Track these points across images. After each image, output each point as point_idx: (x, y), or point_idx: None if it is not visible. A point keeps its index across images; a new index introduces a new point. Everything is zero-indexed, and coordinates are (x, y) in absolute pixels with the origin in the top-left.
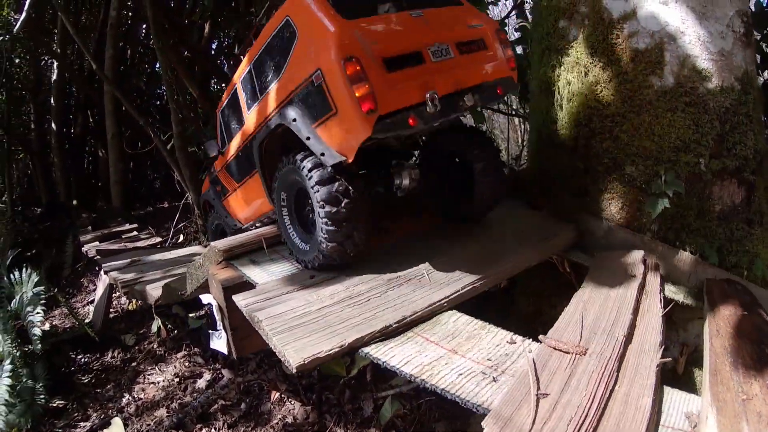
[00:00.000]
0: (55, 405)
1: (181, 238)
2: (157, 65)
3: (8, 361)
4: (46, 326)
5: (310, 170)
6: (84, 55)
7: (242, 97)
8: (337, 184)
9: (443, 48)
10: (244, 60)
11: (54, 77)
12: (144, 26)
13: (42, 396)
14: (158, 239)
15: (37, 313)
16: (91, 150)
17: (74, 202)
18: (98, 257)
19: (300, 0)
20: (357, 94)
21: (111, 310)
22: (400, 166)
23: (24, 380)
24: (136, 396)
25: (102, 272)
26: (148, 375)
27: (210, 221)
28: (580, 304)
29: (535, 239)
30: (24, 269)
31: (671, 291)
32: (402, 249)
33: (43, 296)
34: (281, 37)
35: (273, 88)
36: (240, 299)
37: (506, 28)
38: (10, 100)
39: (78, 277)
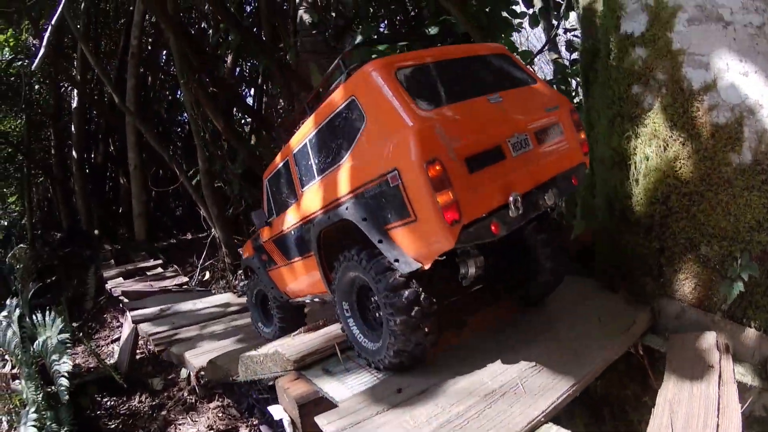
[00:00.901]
0: None
1: (207, 275)
2: (179, 92)
3: (33, 409)
4: (70, 365)
5: (378, 273)
6: (105, 82)
7: (295, 172)
8: (408, 292)
9: (522, 139)
10: (300, 131)
11: (74, 104)
12: (165, 52)
13: None
14: (184, 279)
15: (64, 362)
16: (113, 176)
17: (96, 231)
18: (124, 299)
19: (368, 79)
20: (440, 203)
21: (137, 350)
22: (466, 255)
23: (48, 424)
24: None
25: (128, 312)
26: (180, 425)
27: (250, 285)
28: (667, 404)
29: (615, 328)
30: (48, 311)
31: (739, 373)
32: (481, 346)
33: (68, 343)
34: (345, 118)
35: (336, 173)
36: (325, 422)
37: (536, 64)
38: (30, 125)
39: (101, 311)
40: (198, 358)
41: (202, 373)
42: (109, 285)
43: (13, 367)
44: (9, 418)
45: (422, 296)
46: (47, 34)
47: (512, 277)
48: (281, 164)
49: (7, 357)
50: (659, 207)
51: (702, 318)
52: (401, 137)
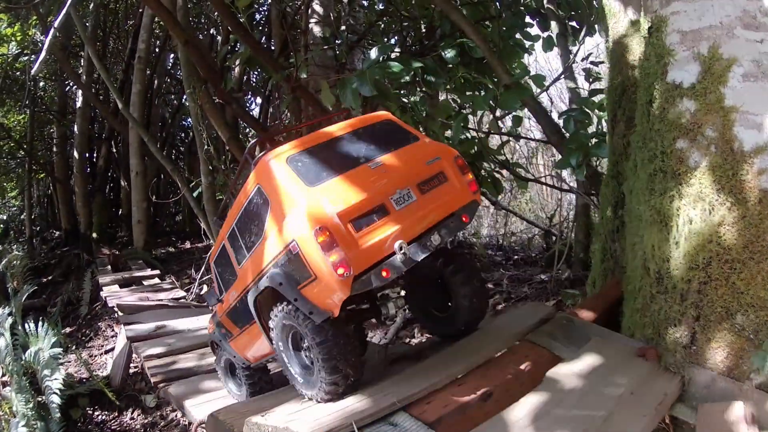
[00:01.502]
0: None
1: (205, 289)
2: (185, 98)
3: (22, 422)
4: (61, 381)
5: (303, 320)
6: (109, 87)
7: (231, 253)
8: (329, 333)
9: (405, 194)
10: (228, 218)
11: (79, 104)
12: (172, 56)
13: None
14: (181, 293)
15: (55, 379)
16: (114, 180)
17: (94, 235)
18: (119, 312)
19: (266, 168)
20: (330, 262)
21: (131, 364)
22: (385, 298)
23: None
24: None
25: (123, 327)
26: None
27: (218, 357)
28: None
29: (650, 401)
30: (41, 321)
31: None
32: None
33: (60, 359)
34: (256, 203)
35: (257, 249)
36: None
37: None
38: (34, 121)
39: (95, 318)
40: (197, 408)
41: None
42: (104, 293)
43: (3, 375)
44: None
45: (341, 337)
46: (48, 38)
47: (435, 316)
48: (220, 248)
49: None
50: (699, 273)
51: (731, 387)
52: (294, 213)
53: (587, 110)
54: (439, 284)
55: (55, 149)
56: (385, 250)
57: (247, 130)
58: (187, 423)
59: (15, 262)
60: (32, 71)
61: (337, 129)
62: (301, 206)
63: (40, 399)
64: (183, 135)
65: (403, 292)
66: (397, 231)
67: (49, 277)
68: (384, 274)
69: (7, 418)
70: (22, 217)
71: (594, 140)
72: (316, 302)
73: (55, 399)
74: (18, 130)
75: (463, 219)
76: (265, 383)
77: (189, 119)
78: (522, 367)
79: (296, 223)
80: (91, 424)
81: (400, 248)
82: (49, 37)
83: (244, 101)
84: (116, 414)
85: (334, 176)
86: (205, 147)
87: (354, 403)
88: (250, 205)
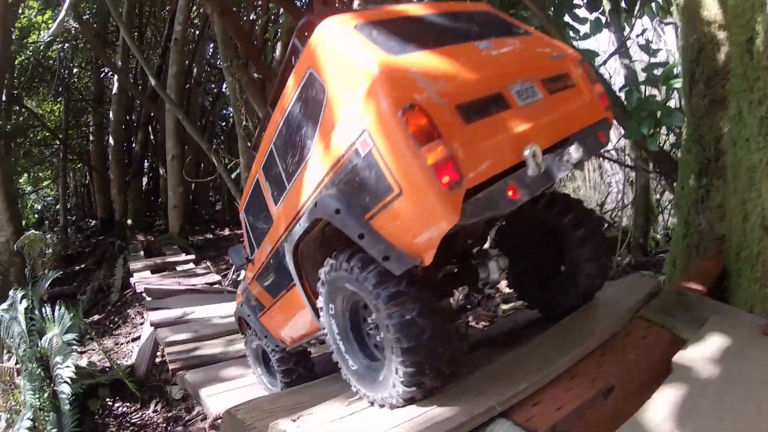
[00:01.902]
0: None
1: (242, 275)
2: (225, 86)
3: (29, 414)
4: (83, 361)
5: (373, 279)
6: (144, 68)
7: (266, 189)
8: (413, 307)
9: (527, 87)
10: (263, 141)
11: (114, 90)
12: (211, 45)
13: None
14: (216, 277)
15: (67, 367)
16: (152, 167)
17: (129, 222)
18: (146, 297)
19: (323, 42)
20: (429, 160)
21: (157, 353)
22: (484, 256)
23: (49, 429)
24: None
25: (148, 313)
26: None
27: (247, 341)
28: None
29: None
30: (58, 305)
31: None
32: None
33: (75, 344)
34: (306, 100)
35: (305, 169)
36: None
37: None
38: (68, 111)
39: (125, 305)
40: (215, 398)
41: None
42: (133, 279)
43: (17, 362)
44: (9, 416)
45: (432, 312)
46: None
47: (540, 283)
48: (252, 187)
49: (13, 350)
50: None
51: None
52: (366, 89)
53: (653, 79)
54: (548, 241)
55: (91, 137)
56: (510, 157)
57: None
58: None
59: (42, 247)
60: (49, 32)
61: (422, 8)
62: (377, 79)
63: (55, 388)
64: (223, 124)
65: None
66: (527, 130)
67: (82, 265)
68: (510, 193)
69: (18, 409)
70: (57, 207)
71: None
72: (396, 240)
73: (66, 389)
74: (52, 119)
75: (600, 138)
76: (304, 372)
77: (229, 108)
78: (642, 351)
79: (368, 104)
80: (109, 416)
81: (534, 154)
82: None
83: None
84: (138, 406)
85: (428, 48)
86: (244, 123)
87: (433, 407)
88: (296, 108)
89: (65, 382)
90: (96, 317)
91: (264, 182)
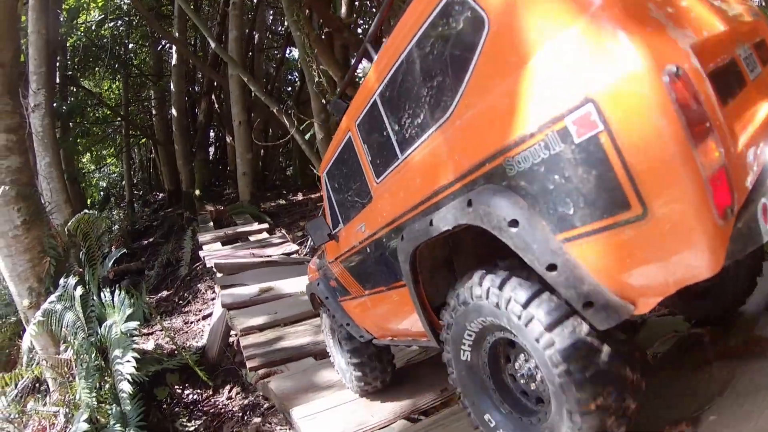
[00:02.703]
0: None
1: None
2: (288, 50)
3: (84, 416)
4: (150, 344)
5: (545, 329)
6: (206, 40)
7: (364, 155)
8: (605, 361)
9: (748, 54)
10: (364, 86)
11: (174, 62)
12: (271, 12)
13: None
14: (293, 246)
15: (127, 362)
16: (218, 136)
17: (197, 192)
18: (217, 274)
19: None
20: (704, 163)
21: (231, 333)
22: None
23: (111, 423)
24: None
25: (219, 291)
26: None
27: (323, 320)
28: None
29: None
30: (118, 288)
31: None
32: None
33: (135, 335)
34: (443, 34)
35: (438, 140)
36: None
37: None
38: (127, 87)
39: (195, 279)
40: (311, 422)
41: None
42: (203, 252)
43: (75, 353)
44: (68, 410)
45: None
46: None
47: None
48: (342, 145)
49: (69, 339)
50: None
51: None
52: (590, 25)
53: None
54: None
55: (153, 111)
56: (760, 163)
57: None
58: None
59: (102, 227)
60: None
61: None
62: (611, 10)
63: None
64: (289, 89)
65: None
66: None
67: (150, 240)
68: (764, 216)
69: (77, 403)
70: (123, 183)
71: None
72: (606, 279)
73: (126, 387)
74: (112, 98)
75: None
76: (379, 368)
77: (295, 74)
78: None
79: (601, 56)
80: (178, 405)
81: None
82: None
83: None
84: (210, 392)
85: None
86: (316, 80)
87: None
88: (424, 42)
89: (126, 379)
90: (164, 293)
91: (360, 145)
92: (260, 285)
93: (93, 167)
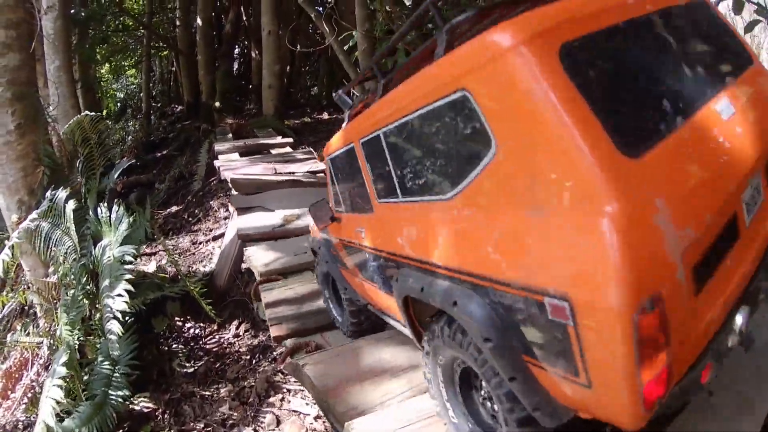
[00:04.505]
0: (138, 408)
1: None
2: None
3: (63, 358)
4: (151, 266)
5: (504, 404)
6: None
7: (367, 172)
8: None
9: (755, 186)
10: (372, 111)
11: None
12: None
13: (121, 393)
14: (320, 165)
15: (119, 295)
16: (244, 51)
17: (217, 104)
18: (233, 191)
19: (506, 64)
20: (643, 380)
21: (243, 258)
22: None
23: (99, 360)
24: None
25: (235, 217)
26: (287, 392)
27: (317, 267)
28: None
29: None
30: (116, 205)
31: None
32: None
33: (132, 260)
34: (449, 125)
35: (432, 209)
36: None
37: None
38: None
39: (209, 194)
40: (361, 425)
41: None
42: (218, 162)
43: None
44: (52, 341)
45: None
46: None
47: None
48: (345, 149)
49: (59, 261)
50: None
51: None
52: (588, 232)
53: None
54: None
55: (177, 22)
56: (718, 320)
57: None
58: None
59: (104, 132)
60: None
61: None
62: (611, 221)
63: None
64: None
65: None
66: (742, 277)
67: (164, 152)
68: (703, 376)
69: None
70: (141, 94)
71: None
72: (557, 396)
73: (114, 327)
74: (135, 8)
75: None
76: (369, 325)
77: None
78: None
79: (588, 263)
80: (177, 340)
81: (744, 322)
82: None
83: None
84: (216, 327)
85: (670, 129)
86: None
87: None
88: (428, 119)
89: (114, 318)
90: (174, 209)
91: (364, 161)
92: (284, 212)
93: (111, 77)
